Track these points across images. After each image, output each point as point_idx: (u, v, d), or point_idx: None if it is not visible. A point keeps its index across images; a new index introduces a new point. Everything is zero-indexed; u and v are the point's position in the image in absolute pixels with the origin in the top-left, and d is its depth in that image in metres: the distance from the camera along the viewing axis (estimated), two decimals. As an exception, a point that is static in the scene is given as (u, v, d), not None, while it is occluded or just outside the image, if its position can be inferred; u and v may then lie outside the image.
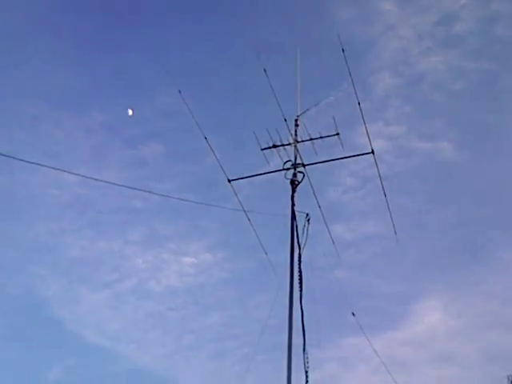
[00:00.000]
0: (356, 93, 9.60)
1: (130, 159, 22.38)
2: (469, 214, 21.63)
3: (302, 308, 9.38)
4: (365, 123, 9.74)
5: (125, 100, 22.70)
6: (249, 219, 10.60)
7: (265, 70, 9.89)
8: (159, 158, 22.18)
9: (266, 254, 10.77)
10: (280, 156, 10.46)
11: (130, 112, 18.23)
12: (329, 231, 10.62)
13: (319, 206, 10.48)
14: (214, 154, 10.20)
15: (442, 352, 19.60)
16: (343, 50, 9.42)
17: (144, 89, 22.59)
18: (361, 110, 9.67)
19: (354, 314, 9.60)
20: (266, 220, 10.99)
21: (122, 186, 9.54)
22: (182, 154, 21.38)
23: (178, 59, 20.63)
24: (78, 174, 8.87)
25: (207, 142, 10.10)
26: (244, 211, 10.47)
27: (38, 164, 7.73)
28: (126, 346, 21.32)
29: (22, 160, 7.40)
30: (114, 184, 9.39)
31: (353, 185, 19.79)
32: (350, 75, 9.52)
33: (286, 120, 10.19)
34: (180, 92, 9.83)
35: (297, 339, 9.37)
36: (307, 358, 8.98)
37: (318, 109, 11.02)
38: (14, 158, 7.32)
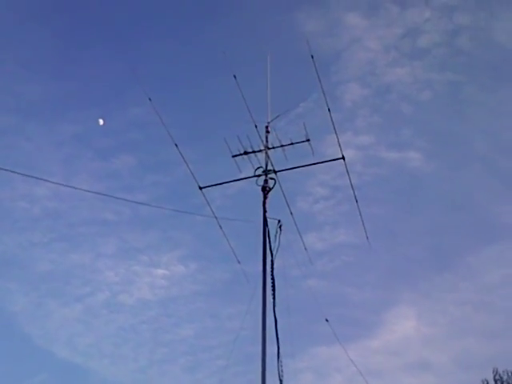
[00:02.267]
0: (326, 99, 9.52)
1: (101, 171, 22.12)
2: (438, 222, 21.83)
3: (275, 316, 9.22)
4: (335, 129, 9.67)
5: (96, 111, 22.51)
6: (220, 227, 10.41)
7: (235, 77, 9.74)
8: (130, 169, 21.95)
9: (239, 262, 10.58)
10: (251, 163, 10.32)
11: (101, 122, 18.02)
12: (301, 237, 10.48)
13: (291, 213, 10.34)
14: (185, 161, 10.02)
15: (416, 360, 19.66)
16: (312, 57, 9.34)
17: (115, 100, 22.50)
18: (331, 116, 9.61)
19: (327, 320, 9.45)
20: (239, 229, 10.85)
21: (100, 194, 9.35)
22: (153, 166, 21.20)
23: (149, 69, 20.51)
24: (72, 187, 8.70)
25: (178, 148, 9.91)
26: (216, 218, 10.29)
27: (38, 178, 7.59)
28: (99, 361, 20.99)
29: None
30: (96, 193, 9.23)
31: (323, 194, 19.80)
32: (320, 81, 9.45)
33: (256, 126, 10.05)
34: (150, 100, 9.65)
35: (271, 349, 9.21)
36: (281, 366, 8.80)
37: (288, 119, 10.96)
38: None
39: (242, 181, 10.46)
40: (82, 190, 9.13)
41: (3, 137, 21.66)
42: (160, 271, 21.75)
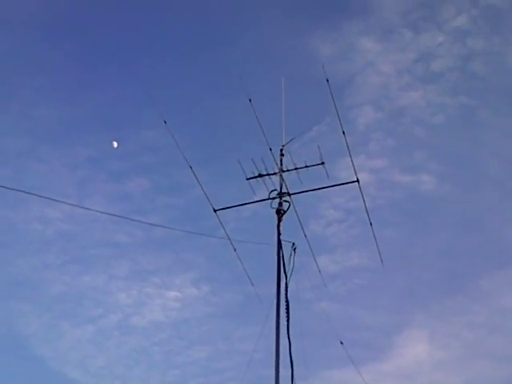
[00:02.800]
0: (340, 121, 9.55)
1: (114, 193, 22.14)
2: (451, 245, 21.60)
3: (289, 338, 9.17)
4: (349, 152, 9.69)
5: (110, 135, 22.51)
6: (234, 249, 10.42)
7: (250, 100, 9.81)
8: (144, 192, 21.96)
9: (253, 284, 10.58)
10: (266, 186, 10.37)
11: (115, 144, 18.09)
12: (315, 260, 10.48)
13: (305, 235, 10.34)
14: (199, 183, 10.05)
15: (429, 383, 19.33)
16: (327, 80, 9.39)
17: (129, 123, 22.49)
18: (345, 138, 9.62)
19: (342, 343, 9.40)
20: (253, 252, 10.85)
21: (114, 215, 9.40)
22: (167, 188, 21.21)
23: (163, 92, 20.55)
24: (87, 208, 8.82)
25: (192, 170, 9.96)
26: (229, 239, 10.29)
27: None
28: (110, 382, 20.80)
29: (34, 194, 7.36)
30: (110, 214, 9.31)
31: (336, 217, 19.67)
32: (335, 104, 9.48)
33: (271, 149, 10.09)
34: (165, 122, 9.71)
35: (284, 372, 9.13)
36: (296, 389, 8.72)
37: (302, 142, 10.99)
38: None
39: (256, 204, 10.51)
40: (96, 211, 9.19)
41: (18, 159, 21.72)
42: (172, 293, 21.65)
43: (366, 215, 10.16)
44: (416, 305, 20.90)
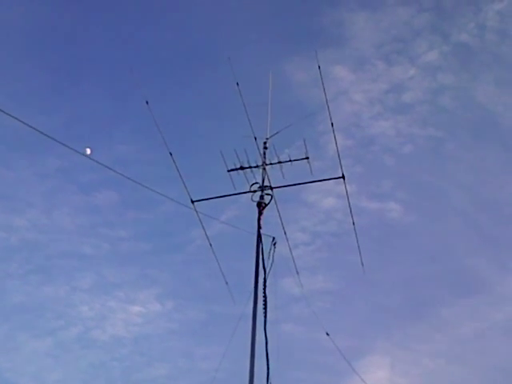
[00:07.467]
0: (329, 111, 8.86)
1: (82, 205, 21.05)
2: (414, 273, 21.02)
3: (266, 335, 8.31)
4: (336, 145, 9.01)
5: (82, 147, 21.42)
6: (210, 244, 9.52)
7: (237, 84, 9.04)
8: (112, 205, 20.91)
9: (227, 283, 9.64)
10: (247, 179, 9.55)
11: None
12: (292, 256, 9.65)
13: (285, 233, 9.54)
14: (178, 171, 9.16)
15: (389, 410, 18.49)
16: (319, 67, 8.74)
17: (102, 137, 21.56)
18: (333, 129, 8.95)
19: (328, 334, 8.55)
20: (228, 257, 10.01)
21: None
22: (136, 203, 20.24)
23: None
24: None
25: (172, 157, 9.09)
26: (205, 233, 9.37)
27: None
28: (66, 397, 19.37)
29: None
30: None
31: (303, 240, 18.96)
32: (324, 91, 8.81)
33: (256, 139, 9.29)
34: (147, 103, 8.87)
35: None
36: (271, 385, 7.81)
37: (286, 139, 10.26)
38: None
39: (236, 198, 9.69)
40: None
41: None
42: (136, 308, 20.48)
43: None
44: (378, 331, 20.18)
